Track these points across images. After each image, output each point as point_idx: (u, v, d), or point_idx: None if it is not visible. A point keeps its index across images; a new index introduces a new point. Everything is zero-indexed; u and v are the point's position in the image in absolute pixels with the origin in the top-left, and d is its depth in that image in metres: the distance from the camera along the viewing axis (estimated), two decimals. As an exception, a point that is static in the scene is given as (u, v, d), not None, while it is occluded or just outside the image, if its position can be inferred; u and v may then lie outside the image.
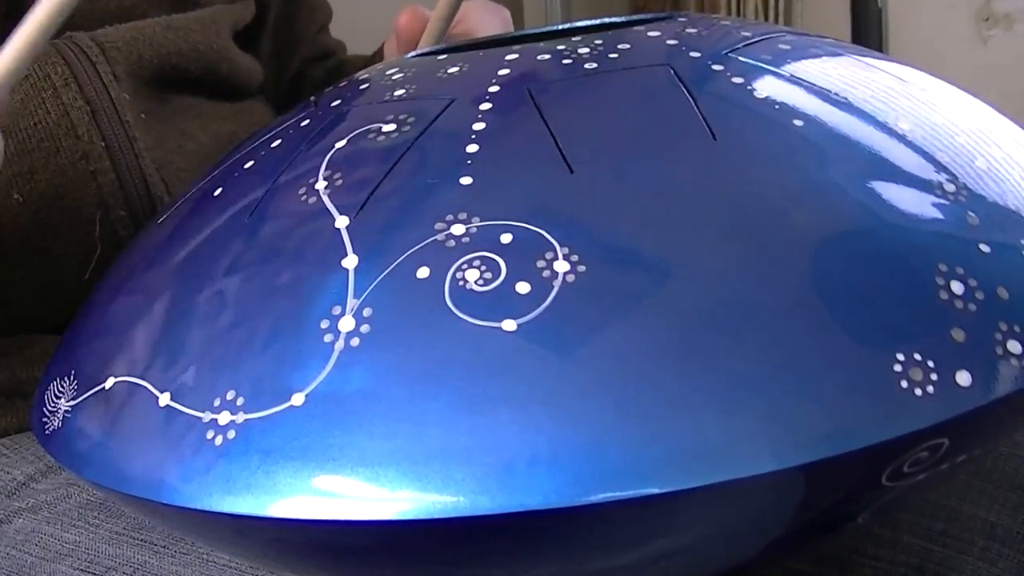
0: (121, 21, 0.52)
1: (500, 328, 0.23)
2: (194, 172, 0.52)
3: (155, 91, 0.53)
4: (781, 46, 0.32)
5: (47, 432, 0.30)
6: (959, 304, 0.24)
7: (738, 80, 0.29)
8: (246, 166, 0.32)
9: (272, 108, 0.62)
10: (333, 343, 0.24)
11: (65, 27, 0.51)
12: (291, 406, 0.24)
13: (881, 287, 0.24)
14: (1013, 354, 0.24)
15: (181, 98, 0.54)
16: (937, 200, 0.26)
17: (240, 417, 0.24)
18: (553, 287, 0.24)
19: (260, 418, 0.24)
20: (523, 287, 0.24)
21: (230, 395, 0.25)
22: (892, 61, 0.34)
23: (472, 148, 0.27)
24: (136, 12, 0.53)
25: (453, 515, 0.22)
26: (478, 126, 0.28)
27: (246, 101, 0.59)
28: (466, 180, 0.27)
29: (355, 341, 0.24)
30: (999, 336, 0.24)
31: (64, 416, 0.29)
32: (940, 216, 0.26)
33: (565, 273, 0.24)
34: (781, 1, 1.87)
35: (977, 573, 0.37)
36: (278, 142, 0.32)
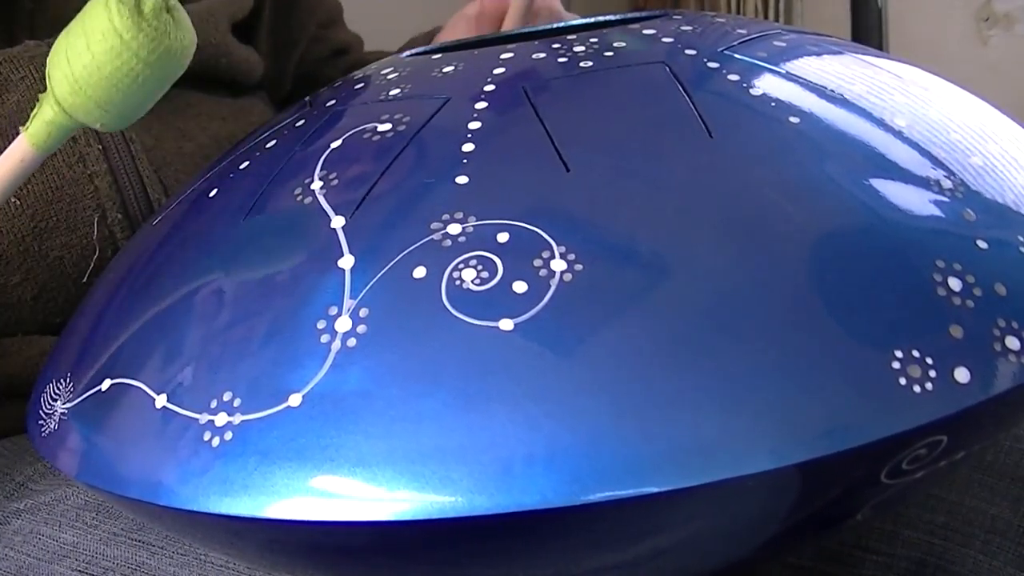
0: None
1: (497, 327, 0.23)
2: (192, 174, 0.51)
3: None
4: (777, 43, 0.32)
5: (43, 434, 0.30)
6: (957, 300, 0.24)
7: (734, 77, 0.29)
8: (241, 166, 0.32)
9: (272, 107, 0.62)
10: (330, 343, 0.24)
11: (59, 23, 0.50)
12: (288, 407, 0.24)
13: (878, 283, 0.24)
14: (1011, 350, 0.24)
15: (180, 94, 0.54)
16: (934, 196, 0.26)
17: (237, 418, 0.24)
18: (550, 286, 0.24)
19: (257, 419, 0.24)
20: (520, 286, 0.24)
21: (227, 396, 0.25)
22: (889, 58, 0.34)
23: (468, 147, 0.27)
24: None
25: (451, 515, 0.22)
26: (474, 125, 0.28)
27: (246, 98, 0.59)
28: (462, 179, 0.26)
29: (352, 341, 0.24)
30: (997, 332, 0.24)
31: (60, 418, 0.29)
32: (937, 212, 0.26)
33: (562, 272, 0.24)
34: (781, 1, 1.87)
35: (978, 566, 0.37)
36: (273, 142, 0.32)
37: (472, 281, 0.24)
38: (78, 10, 0.51)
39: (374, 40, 0.74)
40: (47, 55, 0.47)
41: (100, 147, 0.48)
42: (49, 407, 0.30)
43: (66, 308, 0.38)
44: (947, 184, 0.27)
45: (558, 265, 0.24)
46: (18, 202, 0.46)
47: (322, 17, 0.69)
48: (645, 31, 0.33)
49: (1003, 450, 0.41)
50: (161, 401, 0.26)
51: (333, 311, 0.25)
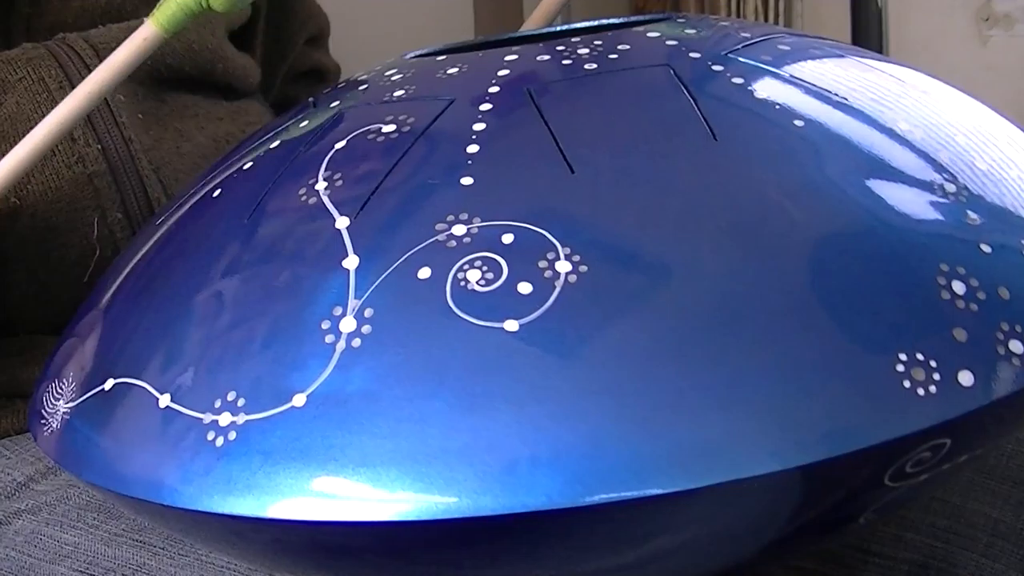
0: (113, 20, 0.52)
1: (502, 328, 0.23)
2: (191, 174, 0.52)
3: (151, 91, 0.52)
4: (781, 47, 0.32)
5: (45, 433, 0.30)
6: (960, 304, 0.24)
7: (738, 81, 0.29)
8: (245, 167, 0.32)
9: (269, 108, 0.62)
10: (334, 344, 0.24)
11: (57, 27, 0.51)
12: (292, 407, 0.24)
13: (882, 287, 0.24)
14: (1015, 354, 0.24)
15: (178, 98, 0.54)
16: (937, 200, 0.26)
17: (241, 418, 0.24)
18: (555, 287, 0.24)
19: (261, 419, 0.24)
20: (525, 287, 0.24)
21: (231, 396, 0.25)
22: (891, 62, 0.34)
23: (473, 148, 0.27)
24: (127, 10, 0.53)
25: (454, 516, 0.22)
26: (478, 126, 0.28)
27: (243, 101, 0.59)
28: (467, 180, 0.26)
29: (356, 342, 0.24)
30: (1000, 336, 0.24)
31: (63, 418, 0.29)
32: (940, 216, 0.26)
33: (567, 273, 0.24)
34: (781, 2, 1.87)
35: (981, 569, 0.37)
36: (277, 143, 0.32)
37: (477, 282, 0.24)
38: (74, 14, 0.51)
39: (369, 48, 0.74)
40: (44, 57, 0.48)
41: (99, 147, 0.48)
42: (51, 407, 0.30)
43: (68, 307, 0.38)
44: (950, 188, 0.27)
45: (563, 266, 0.24)
46: (18, 202, 0.46)
47: (312, 31, 0.69)
48: (649, 34, 0.33)
49: (1006, 454, 0.41)
50: (164, 401, 0.26)
51: (337, 311, 0.25)
